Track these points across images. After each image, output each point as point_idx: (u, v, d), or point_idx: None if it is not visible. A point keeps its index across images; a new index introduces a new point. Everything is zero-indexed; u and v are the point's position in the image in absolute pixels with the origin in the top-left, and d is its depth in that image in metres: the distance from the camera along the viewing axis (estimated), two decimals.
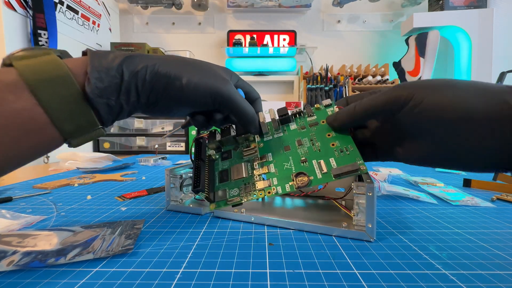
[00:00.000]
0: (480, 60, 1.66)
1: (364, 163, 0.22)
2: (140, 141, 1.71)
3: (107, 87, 0.21)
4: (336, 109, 0.28)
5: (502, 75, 1.51)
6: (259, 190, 0.25)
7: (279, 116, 0.30)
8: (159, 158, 0.72)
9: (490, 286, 0.16)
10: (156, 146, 1.34)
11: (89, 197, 0.37)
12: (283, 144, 0.28)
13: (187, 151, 1.78)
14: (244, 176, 0.27)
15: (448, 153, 0.21)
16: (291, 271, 0.18)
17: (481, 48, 1.65)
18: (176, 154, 1.32)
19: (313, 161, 0.26)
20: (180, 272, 0.18)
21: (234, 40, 1.95)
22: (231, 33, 2.05)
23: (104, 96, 0.21)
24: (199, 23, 2.14)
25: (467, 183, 0.42)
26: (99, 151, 1.58)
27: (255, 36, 1.99)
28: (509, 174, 0.24)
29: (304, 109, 0.30)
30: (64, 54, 0.22)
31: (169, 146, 1.80)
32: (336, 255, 0.20)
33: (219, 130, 0.31)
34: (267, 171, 0.26)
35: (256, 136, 0.30)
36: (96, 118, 0.22)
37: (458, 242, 0.23)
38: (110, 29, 1.98)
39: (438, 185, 0.42)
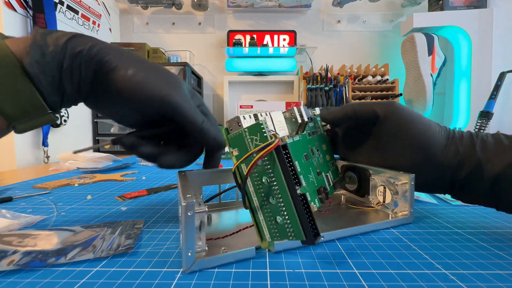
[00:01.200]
0: (480, 60, 1.66)
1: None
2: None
3: (49, 63, 0.20)
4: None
5: (502, 75, 1.51)
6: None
7: (306, 119, 0.28)
8: None
9: (490, 286, 0.16)
10: None
11: (89, 197, 0.37)
12: (303, 152, 0.26)
13: None
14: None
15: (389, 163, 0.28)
16: (291, 270, 0.18)
17: (481, 48, 1.65)
18: None
19: (323, 173, 0.28)
20: (180, 272, 0.18)
21: (234, 40, 1.95)
22: (231, 33, 2.05)
23: (46, 73, 0.20)
24: (199, 23, 2.14)
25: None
26: (99, 151, 1.58)
27: (255, 36, 1.99)
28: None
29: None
30: (3, 37, 0.21)
31: None
32: (336, 254, 0.20)
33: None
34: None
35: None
36: (42, 100, 0.20)
37: (458, 241, 0.23)
38: (110, 29, 1.98)
39: None
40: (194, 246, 0.18)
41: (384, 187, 0.28)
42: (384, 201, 0.28)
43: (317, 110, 0.32)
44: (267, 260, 0.20)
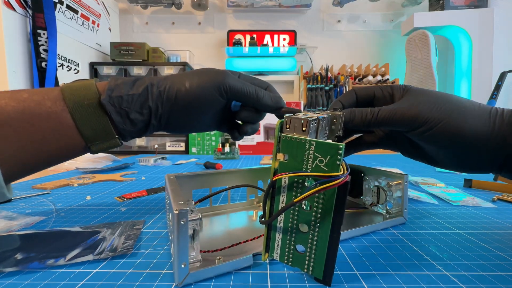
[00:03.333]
0: (480, 60, 1.66)
1: None
2: (140, 141, 1.71)
3: (120, 97, 0.25)
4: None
5: (502, 75, 1.51)
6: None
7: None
8: (159, 158, 0.72)
9: (491, 287, 0.16)
10: (156, 146, 1.34)
11: (88, 197, 0.37)
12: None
13: (187, 151, 1.78)
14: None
15: (445, 162, 0.25)
16: (292, 272, 0.18)
17: (481, 48, 1.65)
18: (176, 154, 1.31)
19: None
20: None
21: (234, 40, 1.95)
22: (231, 33, 2.05)
23: (116, 104, 0.25)
24: (199, 23, 2.14)
25: (468, 184, 0.42)
26: None
27: (255, 36, 1.99)
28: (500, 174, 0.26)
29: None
30: (96, 80, 0.27)
31: (169, 146, 1.80)
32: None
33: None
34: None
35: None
36: (112, 127, 0.26)
37: (459, 242, 0.22)
38: (109, 29, 1.98)
39: (439, 185, 0.42)
40: (187, 257, 0.16)
41: (378, 188, 0.27)
42: (377, 202, 0.28)
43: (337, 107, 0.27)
44: (267, 260, 0.20)
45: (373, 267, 0.19)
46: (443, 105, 0.23)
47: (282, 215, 0.18)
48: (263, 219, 0.18)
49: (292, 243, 0.18)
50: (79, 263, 0.19)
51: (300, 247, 0.17)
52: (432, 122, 0.22)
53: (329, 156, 0.16)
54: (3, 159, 0.24)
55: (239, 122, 0.32)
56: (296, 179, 0.17)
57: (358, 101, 0.28)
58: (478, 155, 0.23)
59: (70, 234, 0.23)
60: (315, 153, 0.16)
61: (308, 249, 0.17)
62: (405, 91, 0.25)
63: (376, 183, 0.28)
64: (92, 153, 0.26)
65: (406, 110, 0.23)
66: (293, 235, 0.18)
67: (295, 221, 0.18)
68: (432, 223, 0.27)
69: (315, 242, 0.17)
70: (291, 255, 0.18)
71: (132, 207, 0.32)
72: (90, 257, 0.20)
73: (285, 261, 0.18)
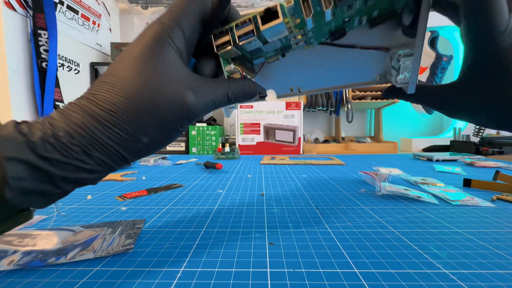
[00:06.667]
0: None
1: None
2: None
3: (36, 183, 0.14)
4: None
5: None
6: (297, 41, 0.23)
7: None
8: (159, 158, 0.72)
9: (491, 286, 0.16)
10: None
11: (89, 197, 0.37)
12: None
13: (187, 151, 1.78)
14: (278, 47, 0.23)
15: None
16: (292, 270, 0.18)
17: None
18: (176, 154, 1.31)
19: (356, 18, 0.23)
20: (180, 272, 0.18)
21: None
22: None
23: (32, 198, 0.14)
24: None
25: (467, 183, 0.42)
26: None
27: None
28: None
29: None
30: None
31: (169, 146, 1.80)
32: (336, 254, 0.20)
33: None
34: (305, 38, 0.23)
35: (291, 24, 0.20)
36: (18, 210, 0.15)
37: (458, 241, 0.23)
38: (110, 29, 1.98)
39: (438, 185, 0.42)
40: None
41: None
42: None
43: None
44: (267, 259, 0.20)
45: (372, 266, 0.19)
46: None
47: None
48: None
49: None
50: (79, 261, 0.19)
51: None
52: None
53: None
54: None
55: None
56: None
57: None
58: None
59: (71, 233, 0.24)
60: None
61: None
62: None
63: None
64: None
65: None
66: None
67: None
68: (432, 222, 0.27)
69: None
70: None
71: (133, 207, 0.32)
72: (91, 256, 0.20)
73: None
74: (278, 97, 0.29)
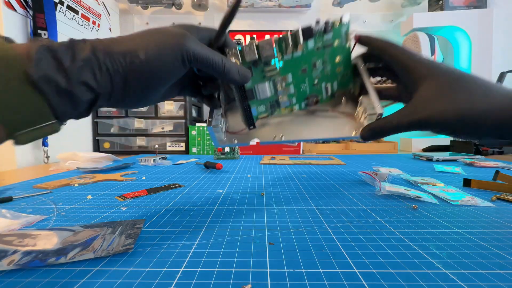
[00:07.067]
0: (480, 60, 1.66)
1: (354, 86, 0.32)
2: (140, 141, 1.70)
3: (59, 70, 0.18)
4: (352, 32, 0.30)
5: (502, 75, 1.51)
6: (283, 107, 0.32)
7: (304, 36, 0.29)
8: (159, 158, 0.72)
9: (490, 286, 0.16)
10: (156, 146, 1.34)
11: (89, 197, 0.37)
12: (301, 66, 0.30)
13: (187, 151, 1.78)
14: (268, 95, 0.31)
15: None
16: (292, 270, 0.18)
17: (481, 48, 1.66)
18: (176, 154, 1.32)
19: (322, 83, 0.32)
20: (180, 272, 0.18)
21: (234, 40, 1.96)
22: (231, 33, 2.05)
23: (53, 80, 0.18)
24: (199, 23, 2.14)
25: (467, 183, 0.42)
26: (99, 151, 1.58)
27: (255, 36, 1.99)
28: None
29: (324, 25, 0.29)
30: (9, 40, 0.19)
31: (169, 146, 1.80)
32: (336, 254, 0.20)
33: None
34: (288, 92, 0.31)
35: (277, 55, 0.29)
36: (48, 108, 0.18)
37: (458, 241, 0.23)
38: (110, 29, 1.98)
39: (438, 185, 0.42)
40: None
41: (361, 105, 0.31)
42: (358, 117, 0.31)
43: (345, 17, 0.30)
44: (267, 259, 0.20)
45: (372, 266, 0.19)
46: (450, 96, 0.24)
47: None
48: None
49: None
50: (79, 261, 0.19)
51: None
52: (438, 118, 0.24)
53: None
54: None
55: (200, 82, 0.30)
56: None
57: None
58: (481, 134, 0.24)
59: (71, 233, 0.24)
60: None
61: None
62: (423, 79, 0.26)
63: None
64: (18, 144, 0.18)
65: (414, 113, 0.25)
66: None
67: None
68: (432, 222, 0.27)
69: None
70: None
71: (133, 207, 0.32)
72: (91, 256, 0.20)
73: None
74: (262, 143, 0.33)
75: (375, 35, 0.30)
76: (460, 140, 1.63)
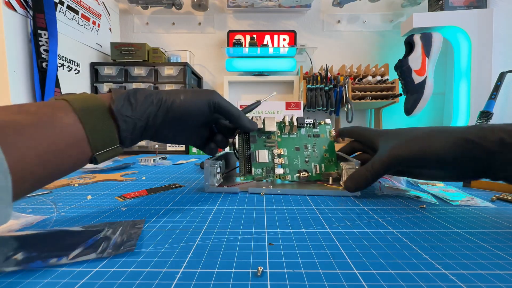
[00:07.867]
0: (480, 60, 1.66)
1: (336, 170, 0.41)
2: (140, 141, 1.70)
3: (128, 105, 0.28)
4: (332, 131, 0.43)
5: (502, 75, 1.51)
6: (277, 174, 0.39)
7: (297, 123, 0.42)
8: (159, 158, 0.72)
9: (490, 286, 0.16)
10: (156, 146, 1.34)
11: (89, 197, 0.37)
12: (294, 145, 0.41)
13: (187, 151, 1.78)
14: (266, 161, 0.39)
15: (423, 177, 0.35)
16: (291, 271, 0.18)
17: (481, 48, 1.66)
18: (176, 154, 1.31)
19: (312, 163, 0.40)
20: (180, 272, 0.18)
21: (234, 40, 1.95)
22: (231, 33, 2.05)
23: (123, 113, 0.27)
24: (199, 23, 2.14)
25: (467, 183, 0.42)
26: None
27: (255, 36, 1.99)
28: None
29: (313, 121, 0.44)
30: (94, 94, 0.29)
31: (169, 146, 1.80)
32: (336, 255, 0.20)
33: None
34: (282, 162, 0.39)
35: (276, 132, 0.42)
36: (116, 134, 0.27)
37: (458, 242, 0.23)
38: (110, 29, 1.98)
39: (438, 185, 0.42)
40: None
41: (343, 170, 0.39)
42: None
43: (327, 120, 0.45)
44: (267, 260, 0.20)
45: (372, 266, 0.19)
46: (409, 147, 0.32)
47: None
48: None
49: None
50: (79, 262, 0.19)
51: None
52: (404, 162, 0.32)
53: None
54: (17, 169, 0.20)
55: (213, 139, 0.39)
56: None
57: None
58: (448, 170, 0.31)
59: (71, 233, 0.24)
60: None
61: None
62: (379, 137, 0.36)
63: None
64: (97, 163, 0.26)
65: (385, 163, 0.33)
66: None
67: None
68: (431, 222, 0.27)
69: None
70: None
71: (133, 207, 0.32)
72: (92, 256, 0.20)
73: None
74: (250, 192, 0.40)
75: (347, 127, 0.43)
76: None
